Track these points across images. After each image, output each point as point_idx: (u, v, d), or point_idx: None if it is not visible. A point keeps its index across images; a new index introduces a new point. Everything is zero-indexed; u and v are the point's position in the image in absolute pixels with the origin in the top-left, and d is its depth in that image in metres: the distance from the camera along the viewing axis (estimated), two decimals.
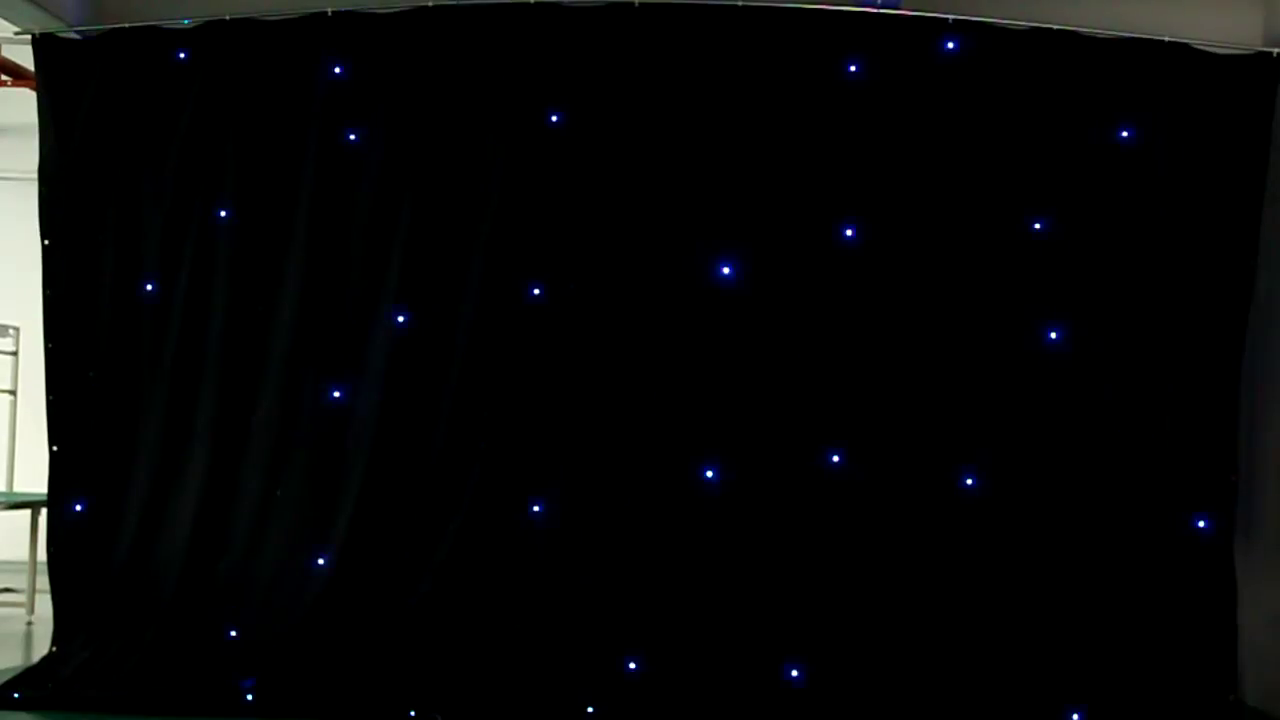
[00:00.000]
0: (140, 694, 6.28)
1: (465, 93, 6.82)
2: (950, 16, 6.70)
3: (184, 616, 6.64)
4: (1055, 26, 6.69)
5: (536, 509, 6.64)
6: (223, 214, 6.90)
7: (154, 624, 6.63)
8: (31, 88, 7.91)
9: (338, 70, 6.86)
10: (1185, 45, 6.68)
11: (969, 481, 6.56)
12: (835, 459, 6.59)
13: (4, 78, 9.59)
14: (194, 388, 6.85)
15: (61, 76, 6.98)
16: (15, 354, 10.15)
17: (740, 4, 6.70)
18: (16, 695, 6.31)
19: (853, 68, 6.70)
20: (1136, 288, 6.64)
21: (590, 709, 6.27)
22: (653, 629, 6.50)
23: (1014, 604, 6.51)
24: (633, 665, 6.43)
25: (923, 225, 6.67)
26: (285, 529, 6.72)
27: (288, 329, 6.81)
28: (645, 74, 6.75)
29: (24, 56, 7.80)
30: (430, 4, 6.83)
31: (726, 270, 6.67)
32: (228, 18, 6.94)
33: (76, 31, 7.07)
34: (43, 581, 7.08)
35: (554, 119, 6.76)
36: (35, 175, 7.01)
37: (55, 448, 6.93)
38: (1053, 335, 6.62)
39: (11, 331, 10.09)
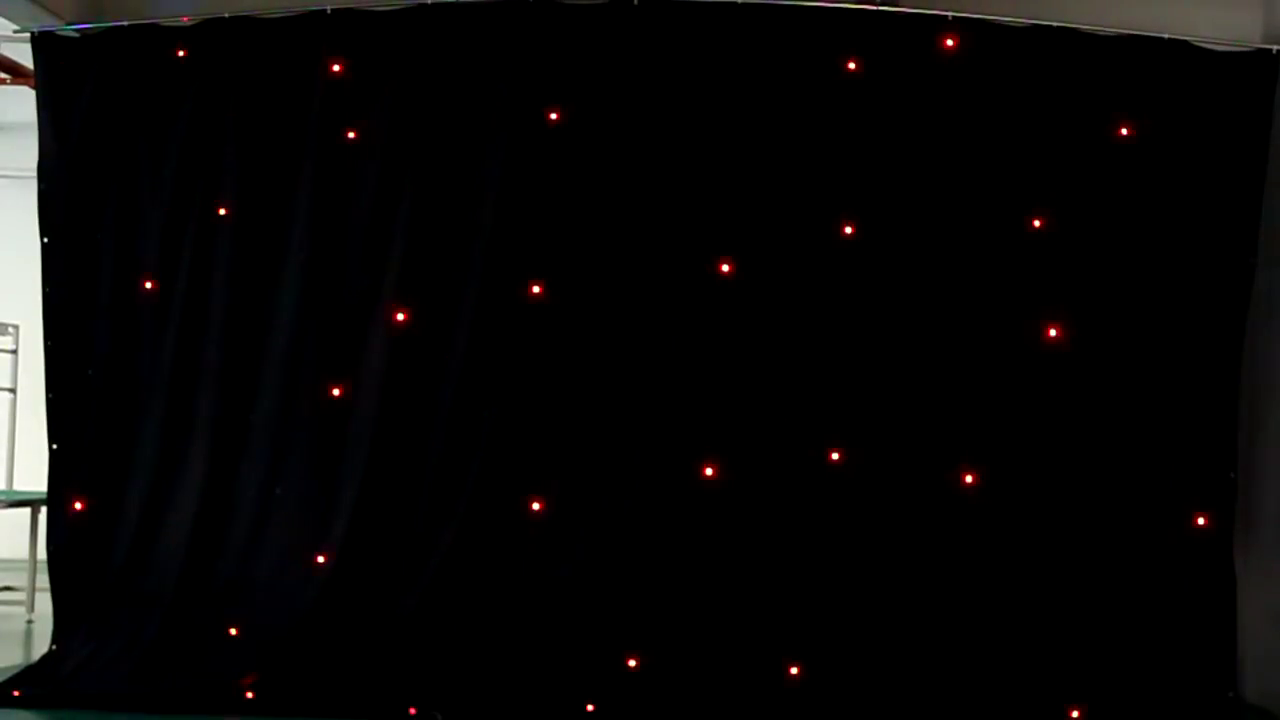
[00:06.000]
0: (140, 692, 6.29)
1: (465, 90, 6.81)
2: (949, 14, 6.69)
3: (184, 614, 6.64)
4: (1055, 24, 6.68)
5: (536, 507, 6.64)
6: (222, 212, 6.89)
7: (154, 622, 6.63)
8: (31, 85, 7.91)
9: (337, 68, 6.85)
10: (1185, 42, 6.67)
11: (968, 479, 6.55)
12: (835, 456, 6.58)
13: (3, 75, 9.60)
14: (193, 386, 6.85)
15: (60, 74, 6.98)
16: (15, 352, 10.16)
17: (740, 1, 6.69)
18: (16, 693, 6.32)
19: (851, 65, 6.69)
20: (1136, 285, 6.62)
21: (590, 707, 6.27)
22: (652, 626, 6.49)
23: (1015, 601, 6.50)
24: (632, 663, 6.43)
25: (921, 222, 6.65)
26: (285, 527, 6.72)
27: (287, 327, 6.80)
28: (644, 71, 6.74)
29: (23, 54, 7.79)
30: (429, 1, 6.83)
31: (725, 268, 6.66)
32: (226, 15, 6.94)
33: (75, 29, 7.06)
34: (43, 580, 7.08)
35: (553, 116, 6.75)
36: (34, 173, 7.01)
37: (55, 446, 6.93)
38: (1052, 333, 6.62)
39: (11, 330, 10.09)
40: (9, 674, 6.56)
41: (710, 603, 6.51)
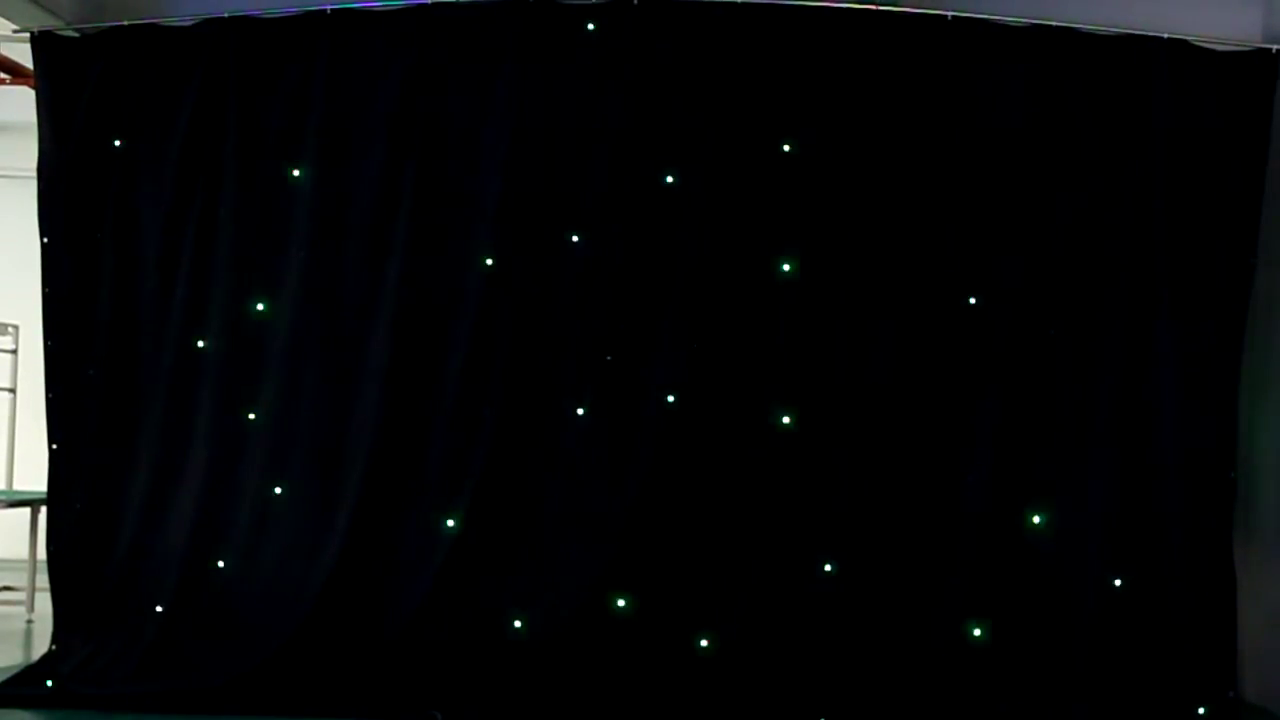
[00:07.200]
0: (140, 692, 6.28)
1: (464, 89, 6.81)
2: (949, 13, 6.69)
3: (184, 615, 6.64)
4: (1055, 23, 6.68)
5: (536, 507, 6.62)
6: (222, 212, 6.90)
7: (154, 622, 6.64)
8: (31, 86, 7.90)
9: (337, 68, 6.85)
10: (1184, 41, 6.67)
11: (970, 479, 6.55)
12: (838, 454, 6.59)
13: (3, 75, 9.58)
14: (193, 385, 6.85)
15: (60, 74, 6.98)
16: (15, 352, 10.15)
17: (740, 1, 6.68)
18: (16, 694, 6.30)
19: (851, 64, 6.68)
20: (1135, 284, 6.62)
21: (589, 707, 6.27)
22: (652, 624, 6.50)
23: (1014, 601, 6.51)
24: (632, 662, 6.42)
25: (919, 221, 6.65)
26: (285, 527, 6.71)
27: (287, 326, 6.80)
28: (644, 71, 6.73)
29: (23, 54, 7.79)
30: (430, 1, 6.82)
31: (726, 269, 6.66)
32: (226, 15, 6.94)
33: (75, 29, 7.07)
34: (42, 580, 7.08)
35: (552, 114, 6.75)
36: (34, 173, 7.01)
37: (55, 446, 6.94)
38: (1051, 332, 6.61)
39: (11, 330, 10.08)
40: (8, 674, 6.55)
41: (712, 595, 6.52)
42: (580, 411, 6.64)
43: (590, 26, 6.75)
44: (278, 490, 6.74)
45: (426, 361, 6.73)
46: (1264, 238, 6.63)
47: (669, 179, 6.70)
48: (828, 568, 6.51)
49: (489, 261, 6.70)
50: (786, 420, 6.58)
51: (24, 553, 8.66)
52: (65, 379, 6.95)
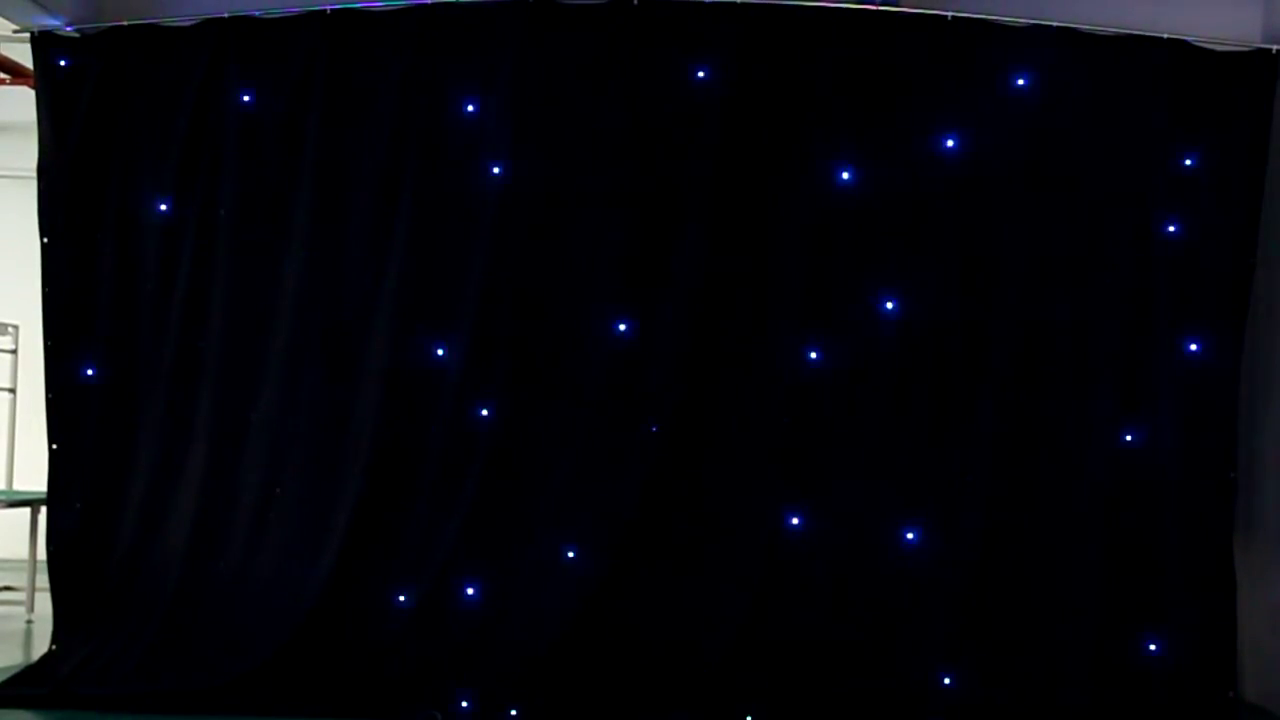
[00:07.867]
0: (140, 693, 6.27)
1: (464, 89, 6.81)
2: (949, 14, 6.69)
3: (184, 614, 6.64)
4: (1054, 23, 6.68)
5: (536, 504, 6.61)
6: (221, 212, 6.90)
7: (154, 622, 6.64)
8: (31, 86, 7.91)
9: (337, 68, 6.85)
10: (1184, 42, 6.67)
11: (969, 478, 6.55)
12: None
13: (3, 76, 9.59)
14: (193, 385, 6.86)
15: (60, 74, 6.99)
16: (15, 352, 10.15)
17: (740, 1, 6.68)
18: (16, 694, 6.30)
19: (851, 65, 6.68)
20: (1135, 285, 6.62)
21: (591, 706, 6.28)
22: (654, 624, 6.50)
23: (1014, 601, 6.51)
24: (633, 661, 6.43)
25: (913, 222, 6.64)
26: (285, 527, 6.72)
27: (287, 327, 6.81)
28: (644, 71, 6.73)
29: (23, 54, 7.79)
30: (430, 1, 6.82)
31: (724, 268, 6.66)
32: (226, 15, 6.95)
33: (75, 30, 7.07)
34: (42, 580, 7.09)
35: (552, 114, 6.75)
36: (34, 173, 7.01)
37: (55, 446, 6.94)
38: (1050, 331, 6.61)
39: (11, 330, 10.09)
40: (8, 674, 6.56)
41: (711, 602, 6.52)
42: (581, 410, 6.63)
43: (590, 27, 6.74)
44: (277, 490, 6.74)
45: (427, 361, 6.72)
46: (1264, 238, 6.63)
47: (669, 177, 6.69)
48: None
49: (488, 261, 6.69)
50: (788, 420, 6.60)
51: (24, 553, 8.67)
52: (65, 379, 6.95)
